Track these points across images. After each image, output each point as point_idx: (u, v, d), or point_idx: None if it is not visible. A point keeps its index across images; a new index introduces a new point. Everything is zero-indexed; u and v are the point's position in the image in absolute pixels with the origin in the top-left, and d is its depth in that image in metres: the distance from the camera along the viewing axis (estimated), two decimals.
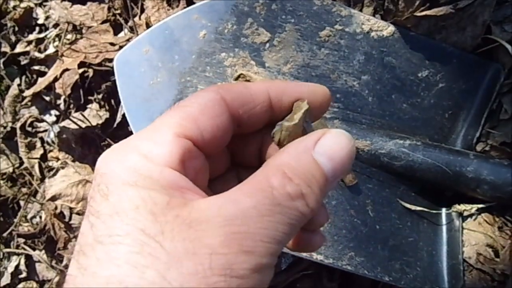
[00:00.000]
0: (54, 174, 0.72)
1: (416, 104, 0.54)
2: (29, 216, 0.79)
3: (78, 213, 0.73)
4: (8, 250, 0.76)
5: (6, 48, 0.81)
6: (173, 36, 0.53)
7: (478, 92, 0.54)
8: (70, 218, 0.74)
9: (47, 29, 0.80)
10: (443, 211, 0.54)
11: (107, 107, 0.73)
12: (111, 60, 0.68)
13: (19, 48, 0.81)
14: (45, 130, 0.79)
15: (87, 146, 0.74)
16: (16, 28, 0.82)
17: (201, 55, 0.53)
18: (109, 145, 0.71)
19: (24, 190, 0.79)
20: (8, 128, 0.80)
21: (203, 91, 0.26)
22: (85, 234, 0.22)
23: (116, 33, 0.72)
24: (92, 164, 0.73)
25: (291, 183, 0.23)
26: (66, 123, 0.73)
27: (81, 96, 0.74)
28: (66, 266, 0.71)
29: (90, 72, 0.72)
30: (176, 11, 0.64)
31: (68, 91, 0.73)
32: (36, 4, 0.81)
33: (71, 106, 0.75)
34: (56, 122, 0.77)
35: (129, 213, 0.21)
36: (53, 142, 0.77)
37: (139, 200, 0.21)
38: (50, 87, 0.74)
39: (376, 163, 0.53)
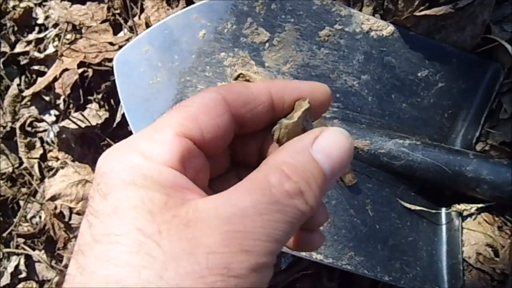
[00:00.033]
0: (54, 174, 0.72)
1: (415, 104, 0.54)
2: (28, 216, 0.79)
3: (77, 213, 0.73)
4: (7, 250, 0.76)
5: (5, 48, 0.81)
6: (173, 35, 0.53)
7: (478, 92, 0.54)
8: (69, 218, 0.74)
9: (46, 29, 0.80)
10: (443, 210, 0.54)
11: (106, 107, 0.73)
12: (110, 60, 0.68)
13: (18, 48, 0.80)
14: (45, 130, 0.79)
15: (87, 146, 0.74)
16: (16, 28, 0.82)
17: (201, 55, 0.53)
18: (108, 145, 0.71)
19: (23, 190, 0.79)
20: (8, 128, 0.80)
21: (204, 91, 0.26)
22: (84, 233, 0.22)
23: (115, 33, 0.72)
24: (92, 164, 0.73)
25: (289, 181, 0.22)
26: (65, 123, 0.73)
27: (81, 96, 0.74)
28: (66, 266, 0.71)
29: (90, 72, 0.72)
30: (175, 10, 0.64)
31: (68, 91, 0.73)
32: (35, 4, 0.81)
33: (71, 106, 0.75)
34: (56, 122, 0.77)
35: (126, 212, 0.21)
36: (52, 142, 0.77)
37: (137, 200, 0.21)
38: (49, 87, 0.74)
39: (376, 163, 0.53)
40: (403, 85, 0.53)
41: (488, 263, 0.51)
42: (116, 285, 0.19)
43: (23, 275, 0.76)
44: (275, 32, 0.53)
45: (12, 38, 0.82)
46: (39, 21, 0.80)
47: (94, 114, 0.73)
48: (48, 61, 0.78)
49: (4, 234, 0.77)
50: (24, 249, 0.75)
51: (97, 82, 0.72)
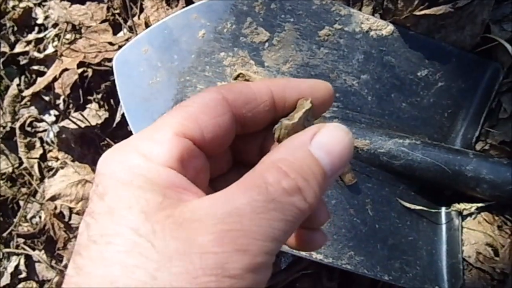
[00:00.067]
0: (54, 174, 0.72)
1: (415, 103, 0.54)
2: (28, 216, 0.79)
3: (77, 213, 0.73)
4: (7, 250, 0.76)
5: (5, 48, 0.81)
6: (172, 35, 0.53)
7: (477, 91, 0.54)
8: (69, 218, 0.74)
9: (46, 29, 0.80)
10: (443, 210, 0.54)
11: (106, 107, 0.73)
12: (110, 60, 0.68)
13: (18, 48, 0.80)
14: (45, 130, 0.79)
15: (87, 146, 0.74)
16: (15, 28, 0.82)
17: (200, 55, 0.53)
18: (108, 145, 0.71)
19: (23, 190, 0.79)
20: (8, 128, 0.80)
21: (205, 91, 0.25)
22: (81, 234, 0.22)
23: (115, 33, 0.72)
24: (92, 164, 0.73)
25: (287, 178, 0.22)
26: (65, 123, 0.73)
27: (81, 96, 0.74)
28: (66, 266, 0.71)
29: (90, 72, 0.72)
30: (175, 10, 0.64)
31: (68, 91, 0.73)
32: (35, 4, 0.81)
33: (71, 106, 0.75)
34: (56, 122, 0.77)
35: (121, 212, 0.21)
36: (52, 142, 0.77)
37: (132, 200, 0.21)
38: (49, 87, 0.74)
39: (376, 162, 0.53)
40: (402, 85, 0.53)
41: (488, 262, 0.51)
42: (110, 285, 0.19)
43: (23, 275, 0.76)
44: (275, 32, 0.53)
45: (12, 38, 0.82)
46: (39, 21, 0.80)
47: (93, 114, 0.73)
48: (47, 61, 0.78)
49: (4, 234, 0.77)
50: (24, 249, 0.75)
51: (97, 82, 0.72)
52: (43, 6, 0.80)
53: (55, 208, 0.71)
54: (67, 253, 0.71)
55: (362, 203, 0.52)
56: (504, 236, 0.51)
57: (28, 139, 0.78)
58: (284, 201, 0.22)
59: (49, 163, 0.77)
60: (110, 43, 0.69)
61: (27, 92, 0.75)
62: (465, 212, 0.53)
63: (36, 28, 0.81)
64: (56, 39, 0.77)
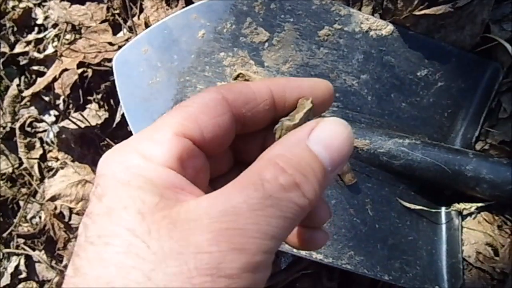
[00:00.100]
0: (54, 174, 0.72)
1: (415, 103, 0.54)
2: (28, 217, 0.79)
3: (77, 213, 0.73)
4: (8, 250, 0.76)
5: (5, 49, 0.81)
6: (172, 35, 0.53)
7: (477, 91, 0.54)
8: (69, 218, 0.74)
9: (46, 29, 0.80)
10: (443, 210, 0.54)
11: (106, 107, 0.73)
12: (110, 60, 0.68)
13: (18, 49, 0.80)
14: (45, 130, 0.79)
15: (87, 146, 0.74)
16: (15, 28, 0.82)
17: (200, 55, 0.53)
18: (108, 145, 0.71)
19: (23, 190, 0.79)
20: (8, 129, 0.80)
21: (205, 91, 0.25)
22: (80, 235, 0.22)
23: (115, 33, 0.72)
24: (92, 164, 0.73)
25: (284, 174, 0.21)
26: (65, 123, 0.73)
27: (80, 96, 0.74)
28: (66, 266, 0.71)
29: (89, 72, 0.72)
30: (175, 10, 0.64)
31: (67, 91, 0.73)
32: (35, 4, 0.81)
33: (70, 106, 0.75)
34: (56, 122, 0.77)
35: (118, 213, 0.21)
36: (52, 142, 0.77)
37: (129, 200, 0.21)
38: (49, 87, 0.74)
39: (376, 162, 0.53)
40: (402, 85, 0.53)
41: (488, 262, 0.51)
42: (107, 286, 0.19)
43: (23, 275, 0.76)
44: (275, 32, 0.53)
45: (12, 38, 0.82)
46: (39, 22, 0.80)
47: (93, 114, 0.73)
48: (47, 61, 0.78)
49: (4, 235, 0.77)
50: (24, 250, 0.75)
51: (97, 82, 0.72)
52: (43, 6, 0.81)
53: (55, 208, 0.71)
54: (67, 253, 0.71)
55: (362, 203, 0.52)
56: (504, 236, 0.51)
57: (28, 139, 0.78)
58: (281, 198, 0.21)
59: (49, 163, 0.77)
60: (110, 43, 0.69)
61: (27, 93, 0.75)
62: (465, 212, 0.53)
63: (36, 29, 0.81)
64: (56, 39, 0.77)
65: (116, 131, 0.72)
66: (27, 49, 0.80)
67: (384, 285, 0.57)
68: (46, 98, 0.77)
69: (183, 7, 0.57)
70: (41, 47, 0.79)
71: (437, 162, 0.50)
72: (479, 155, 0.51)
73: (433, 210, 0.53)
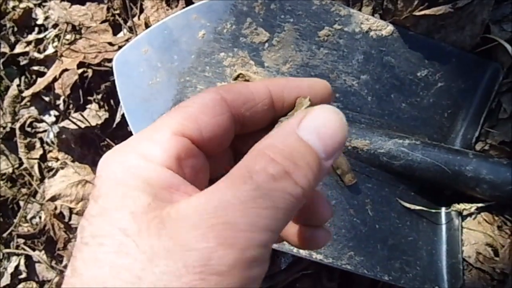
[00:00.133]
0: (54, 175, 0.72)
1: (415, 104, 0.54)
2: (28, 217, 0.79)
3: (77, 214, 0.73)
4: (8, 250, 0.76)
5: (5, 49, 0.81)
6: (172, 36, 0.53)
7: (477, 91, 0.54)
8: (69, 219, 0.74)
9: (46, 29, 0.80)
10: (443, 210, 0.54)
11: (106, 107, 0.73)
12: (110, 60, 0.68)
13: (18, 49, 0.81)
14: (45, 131, 0.79)
15: (87, 147, 0.74)
16: (16, 29, 0.82)
17: (200, 55, 0.53)
18: (108, 145, 0.71)
19: (23, 190, 0.79)
20: (8, 129, 0.80)
21: (204, 92, 0.25)
22: (77, 236, 0.22)
23: (115, 33, 0.72)
24: (92, 164, 0.73)
25: (274, 164, 0.21)
26: (65, 123, 0.73)
27: (81, 96, 0.74)
28: (66, 267, 0.71)
29: (90, 72, 0.72)
30: (175, 11, 0.64)
31: (68, 92, 0.73)
32: (35, 5, 0.81)
33: (71, 106, 0.75)
34: (56, 122, 0.77)
35: (111, 213, 0.21)
36: (52, 142, 0.77)
37: (122, 200, 0.21)
38: (49, 88, 0.74)
39: (376, 163, 0.53)
40: (402, 85, 0.54)
41: (488, 262, 0.51)
42: (101, 286, 0.19)
43: (23, 275, 0.76)
44: (275, 32, 0.53)
45: (12, 38, 0.82)
46: (39, 22, 0.80)
47: (93, 115, 0.73)
48: (47, 61, 0.78)
49: (4, 235, 0.77)
50: (24, 250, 0.75)
51: (97, 83, 0.73)
52: (43, 6, 0.81)
53: (55, 208, 0.71)
54: (67, 254, 0.71)
55: (362, 203, 0.52)
56: (504, 236, 0.51)
57: (28, 139, 0.78)
58: (272, 188, 0.20)
59: (49, 164, 0.77)
60: (110, 44, 0.69)
61: (27, 93, 0.75)
62: (465, 212, 0.53)
63: (36, 29, 0.81)
64: (56, 39, 0.77)
65: (116, 131, 0.72)
66: (27, 49, 0.80)
67: (384, 285, 0.57)
68: (46, 98, 0.77)
69: (183, 7, 0.57)
70: (41, 47, 0.79)
71: (437, 163, 0.50)
72: (479, 156, 0.51)
73: (433, 211, 0.53)
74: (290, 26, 0.53)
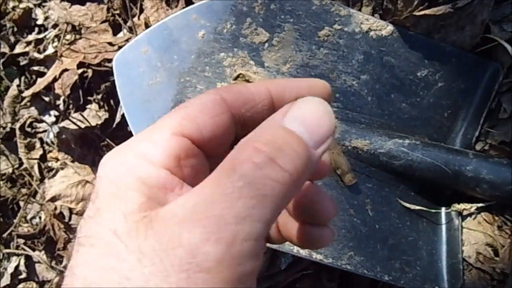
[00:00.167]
0: (54, 175, 0.72)
1: (415, 104, 0.54)
2: (28, 217, 0.79)
3: (77, 214, 0.73)
4: (8, 250, 0.76)
5: (5, 49, 0.81)
6: (172, 36, 0.53)
7: (477, 91, 0.54)
8: (69, 219, 0.74)
9: (46, 29, 0.80)
10: (443, 210, 0.54)
11: (106, 108, 0.73)
12: (110, 60, 0.68)
13: (18, 49, 0.81)
14: (45, 131, 0.79)
15: (87, 147, 0.74)
16: (15, 29, 0.82)
17: (200, 55, 0.53)
18: (108, 146, 0.71)
19: (23, 190, 0.79)
20: (8, 129, 0.80)
21: (204, 93, 0.26)
22: (76, 236, 0.22)
23: (115, 33, 0.72)
24: (92, 165, 0.73)
25: (258, 153, 0.20)
26: (65, 123, 0.73)
27: (81, 97, 0.74)
28: (66, 267, 0.71)
29: (89, 73, 0.72)
30: (175, 11, 0.64)
31: (68, 92, 0.73)
32: (35, 5, 0.81)
33: (71, 106, 0.75)
34: (56, 122, 0.77)
35: (104, 214, 0.21)
36: (52, 142, 0.77)
37: (115, 201, 0.21)
38: (49, 88, 0.74)
39: (376, 163, 0.53)
40: (402, 85, 0.53)
41: (488, 262, 0.51)
42: (89, 286, 0.19)
43: (23, 275, 0.77)
44: (275, 32, 0.53)
45: (12, 39, 0.82)
46: (39, 22, 0.80)
47: (93, 115, 0.73)
48: (47, 61, 0.78)
49: (4, 235, 0.77)
50: (24, 250, 0.75)
51: (97, 83, 0.73)
52: (43, 6, 0.81)
53: (55, 208, 0.71)
54: (67, 254, 0.71)
55: (362, 204, 0.52)
56: (504, 236, 0.51)
57: (28, 139, 0.78)
58: (256, 176, 0.19)
59: (49, 164, 0.77)
60: (110, 44, 0.69)
61: (27, 93, 0.75)
62: (465, 212, 0.53)
63: (36, 29, 0.81)
64: (56, 39, 0.77)
65: (116, 131, 0.72)
66: (27, 49, 0.80)
67: (384, 285, 0.57)
68: (46, 99, 0.77)
69: (183, 8, 0.57)
70: (41, 47, 0.79)
71: (437, 163, 0.50)
72: (479, 156, 0.51)
73: (433, 211, 0.53)
74: (290, 26, 0.53)
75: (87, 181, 0.71)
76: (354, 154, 0.53)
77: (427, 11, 0.51)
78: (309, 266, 0.59)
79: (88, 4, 0.75)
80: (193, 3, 0.58)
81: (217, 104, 0.25)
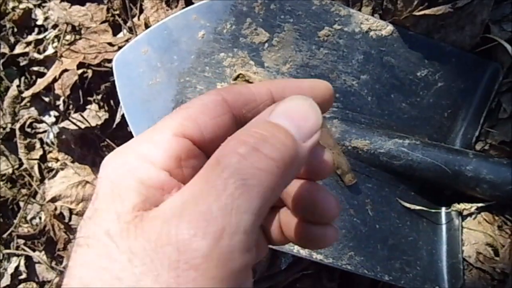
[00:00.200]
0: (54, 175, 0.72)
1: (415, 103, 0.54)
2: (29, 217, 0.79)
3: (77, 214, 0.73)
4: (8, 251, 0.76)
5: (5, 49, 0.81)
6: (172, 36, 0.53)
7: (477, 91, 0.54)
8: (70, 219, 0.74)
9: (46, 30, 0.80)
10: (443, 210, 0.54)
11: (106, 108, 0.73)
12: (110, 61, 0.68)
13: (18, 49, 0.81)
14: (45, 131, 0.79)
15: (87, 147, 0.74)
16: (15, 29, 0.82)
17: (200, 55, 0.53)
18: (108, 146, 0.71)
19: (23, 191, 0.79)
20: (8, 129, 0.80)
21: (205, 94, 0.26)
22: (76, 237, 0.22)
23: (115, 34, 0.72)
24: (92, 165, 0.73)
25: (242, 144, 0.20)
26: (65, 124, 0.73)
27: (80, 97, 0.74)
28: (66, 267, 0.71)
29: (89, 73, 0.72)
30: (175, 11, 0.64)
31: (67, 92, 0.73)
32: (35, 5, 0.81)
33: (70, 107, 0.75)
34: (56, 123, 0.77)
35: (100, 214, 0.21)
36: (52, 143, 0.77)
37: (112, 201, 0.21)
38: (49, 88, 0.74)
39: (376, 163, 0.53)
40: (402, 85, 0.54)
41: (488, 262, 0.51)
42: (83, 287, 0.19)
43: (23, 276, 0.77)
44: (275, 32, 0.53)
45: (12, 39, 0.82)
46: (39, 22, 0.80)
47: (93, 115, 0.73)
48: (47, 62, 0.78)
49: (4, 235, 0.77)
50: (24, 250, 0.75)
51: (97, 83, 0.73)
52: (43, 7, 0.81)
53: (55, 209, 0.71)
54: (67, 254, 0.71)
55: (362, 204, 0.52)
56: (504, 236, 0.51)
57: (28, 140, 0.78)
58: (240, 166, 0.19)
59: (49, 164, 0.77)
60: (110, 44, 0.69)
61: (27, 93, 0.75)
62: (465, 212, 0.53)
63: (36, 29, 0.81)
64: (56, 40, 0.77)
65: (116, 131, 0.72)
66: (27, 50, 0.80)
67: (384, 285, 0.57)
68: (46, 99, 0.77)
69: (183, 8, 0.57)
70: (41, 48, 0.79)
71: (437, 162, 0.50)
72: (479, 155, 0.51)
73: (433, 211, 0.53)
74: (290, 26, 0.53)
75: (87, 182, 0.71)
76: (354, 154, 0.53)
77: (427, 11, 0.51)
78: (309, 266, 0.59)
79: (88, 4, 0.75)
80: (193, 3, 0.58)
81: (218, 105, 0.25)
